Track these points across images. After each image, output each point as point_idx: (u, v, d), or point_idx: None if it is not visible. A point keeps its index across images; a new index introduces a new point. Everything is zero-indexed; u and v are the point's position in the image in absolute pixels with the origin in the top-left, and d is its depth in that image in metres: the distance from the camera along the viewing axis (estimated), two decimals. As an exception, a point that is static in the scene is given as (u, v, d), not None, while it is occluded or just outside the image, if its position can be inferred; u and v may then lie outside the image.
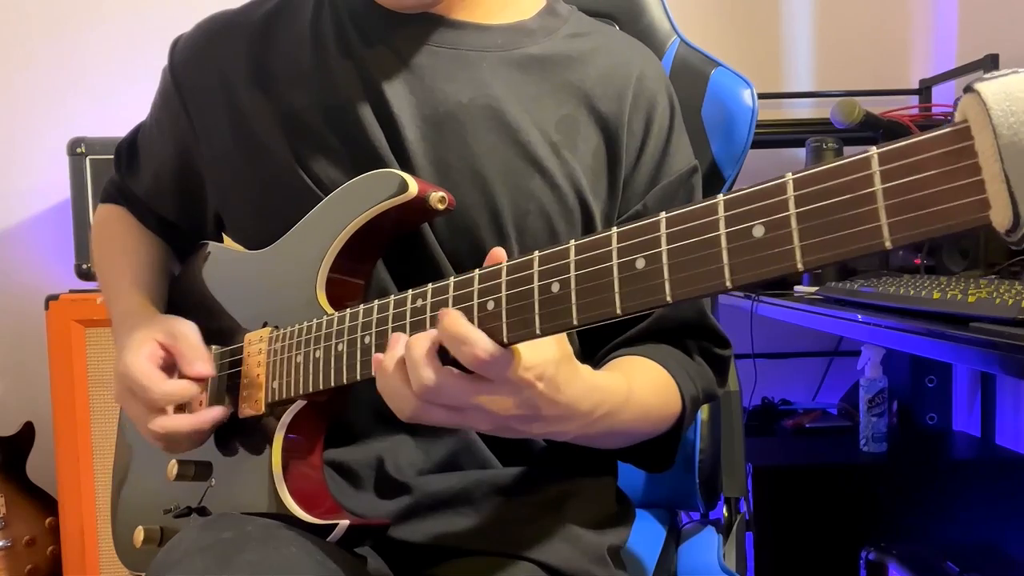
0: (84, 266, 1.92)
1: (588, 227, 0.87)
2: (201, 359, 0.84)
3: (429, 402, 0.64)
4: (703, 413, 1.17)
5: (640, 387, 0.79)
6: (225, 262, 0.95)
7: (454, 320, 0.62)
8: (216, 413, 0.84)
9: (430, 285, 0.68)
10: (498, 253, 0.65)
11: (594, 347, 0.90)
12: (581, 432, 0.71)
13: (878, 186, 0.44)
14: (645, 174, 0.89)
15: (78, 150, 1.93)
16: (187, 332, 0.86)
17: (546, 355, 0.64)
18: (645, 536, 1.11)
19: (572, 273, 0.58)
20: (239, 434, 0.86)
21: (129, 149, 1.06)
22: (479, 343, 0.61)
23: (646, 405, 0.79)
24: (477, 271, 0.64)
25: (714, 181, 1.06)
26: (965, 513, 1.80)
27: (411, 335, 0.66)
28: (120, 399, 0.87)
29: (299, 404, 0.80)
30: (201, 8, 0.99)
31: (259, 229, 0.90)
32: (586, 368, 0.71)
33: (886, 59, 2.37)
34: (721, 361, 0.92)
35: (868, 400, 1.90)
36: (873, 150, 0.44)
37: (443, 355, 0.64)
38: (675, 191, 0.90)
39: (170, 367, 0.85)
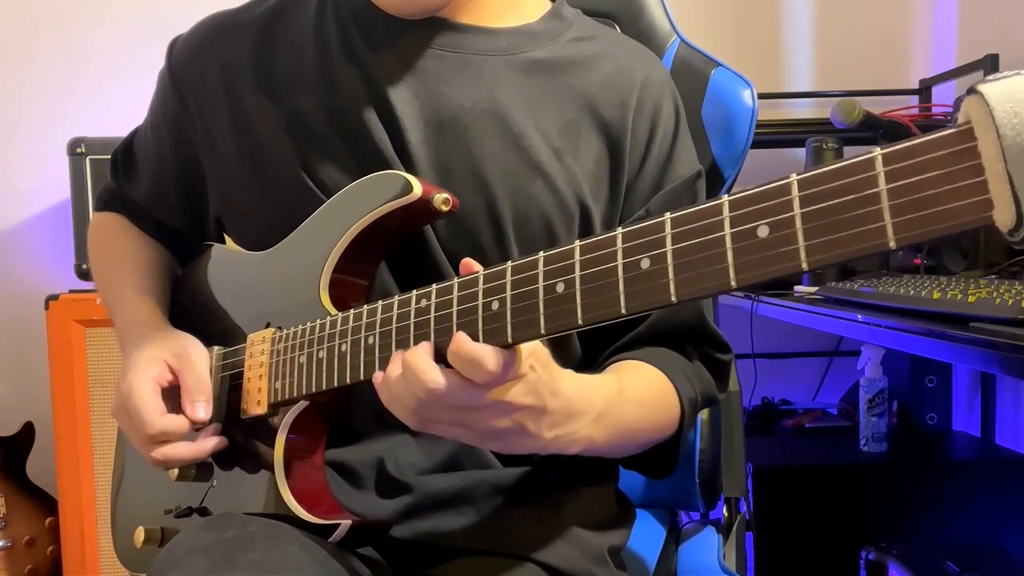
0: (84, 266, 1.92)
1: (587, 232, 0.86)
2: (203, 398, 0.84)
3: (435, 404, 0.65)
4: (703, 414, 1.17)
5: (632, 386, 0.79)
6: (228, 263, 0.95)
7: (460, 343, 0.63)
8: (215, 443, 0.84)
9: (434, 286, 0.68)
10: (470, 264, 0.66)
11: (593, 353, 0.90)
12: (589, 434, 0.72)
13: (882, 187, 0.44)
14: (648, 180, 0.89)
15: (78, 150, 1.93)
16: (196, 360, 0.86)
17: (535, 344, 0.66)
18: (645, 536, 1.11)
19: (577, 273, 0.58)
20: (241, 434, 0.86)
21: (125, 156, 1.05)
22: (488, 360, 0.62)
23: (642, 403, 0.80)
24: (482, 271, 0.65)
25: (714, 181, 1.06)
26: (965, 513, 1.80)
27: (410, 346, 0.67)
28: (117, 416, 0.87)
29: (301, 404, 0.80)
30: (201, 8, 0.99)
31: (261, 231, 0.90)
32: (570, 371, 0.72)
33: (886, 59, 2.37)
34: (721, 365, 0.92)
35: (868, 400, 1.90)
36: (877, 151, 0.44)
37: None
38: (678, 197, 0.89)
39: (174, 390, 0.86)
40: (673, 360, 0.86)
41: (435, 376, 0.63)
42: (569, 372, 0.71)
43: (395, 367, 0.67)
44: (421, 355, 0.65)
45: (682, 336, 0.89)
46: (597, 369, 0.85)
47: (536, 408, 0.67)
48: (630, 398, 0.77)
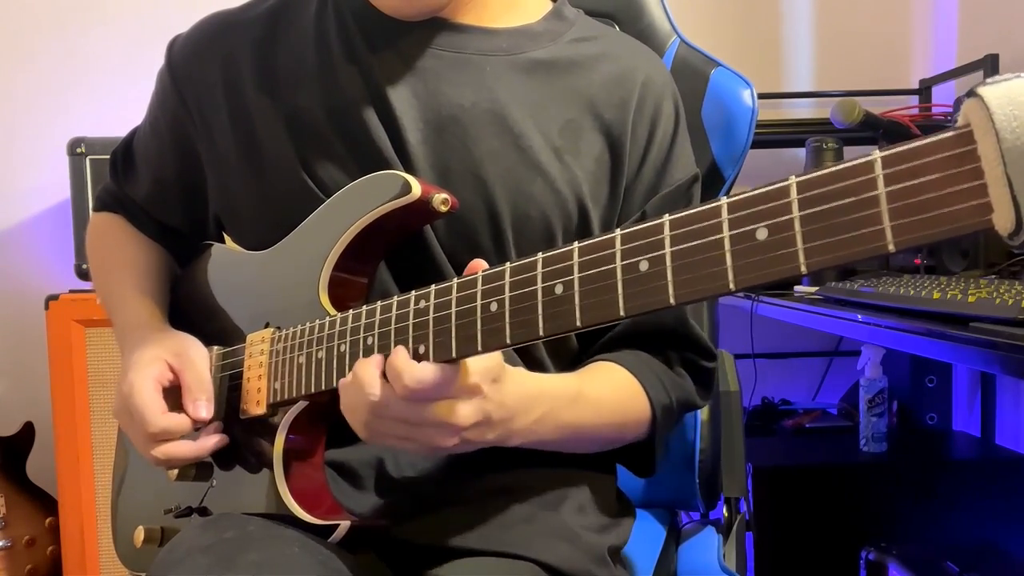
0: (84, 266, 1.92)
1: (585, 233, 0.86)
2: (204, 397, 0.85)
3: (380, 416, 0.68)
4: (703, 413, 1.17)
5: (594, 389, 0.81)
6: (227, 263, 0.95)
7: (394, 355, 0.66)
8: (217, 440, 0.85)
9: (433, 287, 0.68)
10: (477, 265, 0.67)
11: (584, 350, 0.91)
12: (529, 433, 0.74)
13: (881, 189, 0.44)
14: (646, 182, 0.89)
15: (78, 150, 1.93)
16: (196, 360, 0.86)
17: (492, 359, 0.68)
18: (645, 536, 1.11)
19: (576, 275, 0.58)
20: (241, 434, 0.86)
21: (125, 156, 1.05)
22: (405, 372, 0.65)
23: (601, 406, 0.81)
24: (481, 272, 0.65)
25: (714, 181, 1.06)
26: (965, 513, 1.80)
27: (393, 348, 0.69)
28: (118, 416, 0.88)
29: (301, 405, 0.80)
30: (201, 8, 0.99)
31: (260, 231, 0.90)
32: (520, 370, 0.74)
33: (886, 59, 2.37)
34: (704, 372, 0.92)
35: (868, 400, 1.90)
36: (876, 153, 0.44)
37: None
38: (675, 202, 0.89)
39: (175, 389, 0.86)
40: (649, 365, 0.87)
41: (374, 390, 0.66)
42: (517, 371, 0.74)
43: (348, 377, 0.69)
44: (368, 367, 0.68)
45: (662, 339, 0.89)
46: (578, 366, 0.87)
47: (480, 423, 0.69)
48: (588, 399, 0.80)
